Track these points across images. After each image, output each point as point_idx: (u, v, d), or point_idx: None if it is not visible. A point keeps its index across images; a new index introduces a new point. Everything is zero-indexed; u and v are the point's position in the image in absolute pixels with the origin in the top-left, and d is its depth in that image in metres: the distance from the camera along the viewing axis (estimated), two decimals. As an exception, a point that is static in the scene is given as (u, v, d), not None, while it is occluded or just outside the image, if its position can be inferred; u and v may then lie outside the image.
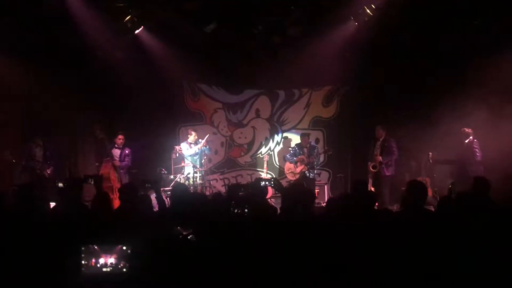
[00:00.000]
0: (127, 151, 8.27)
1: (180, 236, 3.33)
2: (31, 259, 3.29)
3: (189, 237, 3.37)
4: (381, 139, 8.22)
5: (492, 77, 7.40)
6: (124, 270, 3.22)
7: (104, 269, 3.21)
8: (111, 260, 3.21)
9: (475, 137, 7.74)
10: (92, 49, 8.15)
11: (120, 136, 8.19)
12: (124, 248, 3.23)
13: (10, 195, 5.34)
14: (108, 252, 3.22)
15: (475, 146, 7.66)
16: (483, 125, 7.60)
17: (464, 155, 7.77)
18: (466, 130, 7.78)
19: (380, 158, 8.08)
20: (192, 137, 8.77)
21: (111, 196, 6.81)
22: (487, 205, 3.94)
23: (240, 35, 8.82)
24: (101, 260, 3.21)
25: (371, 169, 8.16)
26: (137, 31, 8.50)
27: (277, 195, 7.60)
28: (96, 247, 3.21)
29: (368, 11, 8.04)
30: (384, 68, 8.73)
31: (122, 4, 7.92)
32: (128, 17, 8.11)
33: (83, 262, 3.20)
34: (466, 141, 7.80)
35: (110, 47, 8.42)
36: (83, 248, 3.21)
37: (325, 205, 5.61)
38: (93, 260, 3.20)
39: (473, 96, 7.61)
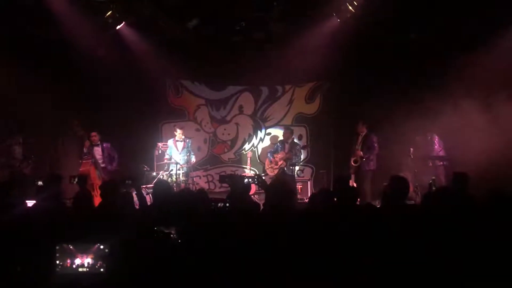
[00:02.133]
0: (105, 145, 8.05)
1: (161, 235, 3.28)
2: (4, 258, 3.21)
3: (171, 236, 3.32)
4: (362, 134, 8.29)
5: (476, 72, 7.50)
6: (102, 270, 3.14)
7: (81, 269, 3.12)
8: (88, 260, 3.12)
9: (435, 133, 8.11)
10: (72, 45, 8.00)
11: (93, 133, 8.00)
12: (102, 247, 3.14)
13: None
14: (84, 251, 3.12)
15: (435, 141, 8.01)
16: (464, 121, 7.72)
17: (426, 149, 8.13)
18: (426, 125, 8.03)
19: (361, 153, 8.15)
20: (178, 134, 8.66)
21: (92, 193, 6.75)
22: (465, 199, 4.00)
23: (223, 31, 8.78)
24: (77, 261, 3.12)
25: (352, 163, 8.23)
26: (118, 27, 8.39)
27: (261, 191, 7.60)
28: (71, 247, 3.11)
29: (350, 7, 8.08)
30: (366, 64, 8.78)
31: (103, 0, 7.81)
32: (109, 13, 8.01)
33: (57, 262, 3.11)
34: (429, 137, 8.13)
35: (91, 43, 8.29)
36: (57, 248, 3.12)
37: (307, 201, 5.62)
38: (69, 261, 3.11)
39: (455, 92, 7.70)
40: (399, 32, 8.18)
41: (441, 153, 8.13)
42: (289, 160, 8.35)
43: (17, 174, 7.54)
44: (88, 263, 3.13)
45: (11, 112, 8.05)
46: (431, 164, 8.04)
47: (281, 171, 8.36)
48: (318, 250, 3.29)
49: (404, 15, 7.85)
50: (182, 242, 3.28)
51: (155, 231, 3.29)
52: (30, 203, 4.55)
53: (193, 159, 8.70)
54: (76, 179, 4.68)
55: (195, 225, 3.48)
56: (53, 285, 3.10)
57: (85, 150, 7.77)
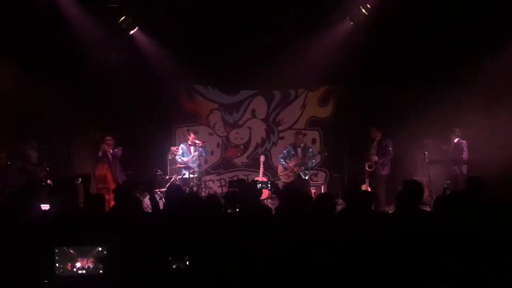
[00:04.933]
0: (116, 150, 8.12)
1: (173, 267, 3.21)
2: (7, 261, 3.23)
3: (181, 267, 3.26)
4: (377, 139, 8.20)
5: (488, 76, 7.41)
6: (101, 272, 3.14)
7: (80, 272, 3.13)
8: (87, 263, 3.13)
9: (463, 137, 7.80)
10: (86, 50, 8.10)
11: (108, 137, 8.06)
12: (100, 249, 3.14)
13: (5, 196, 5.31)
14: (84, 255, 3.13)
15: (463, 146, 7.71)
16: (478, 125, 7.61)
17: (453, 154, 7.81)
18: (455, 129, 7.80)
19: (376, 158, 8.05)
20: (191, 138, 8.65)
21: (107, 197, 6.79)
22: (481, 204, 3.92)
23: (236, 35, 8.80)
24: (77, 264, 3.13)
25: (367, 168, 8.14)
26: (131, 32, 8.47)
27: (273, 196, 7.55)
28: (71, 251, 3.12)
29: (363, 11, 8.04)
30: (380, 68, 8.71)
31: (116, 5, 7.89)
32: (122, 18, 8.09)
33: (57, 265, 3.12)
34: (455, 140, 7.82)
35: (105, 48, 8.37)
36: (56, 251, 3.13)
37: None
38: (69, 264, 3.11)
39: (468, 96, 7.61)
40: (413, 34, 8.08)
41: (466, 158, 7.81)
42: (304, 165, 8.24)
43: (32, 178, 7.61)
44: (89, 266, 3.13)
45: (27, 116, 8.18)
46: (457, 169, 7.69)
47: (297, 177, 8.22)
48: (331, 255, 3.26)
49: (418, 18, 7.77)
50: (187, 248, 3.25)
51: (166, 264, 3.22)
52: (44, 207, 4.59)
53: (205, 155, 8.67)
54: (80, 179, 4.70)
55: (203, 230, 3.47)
56: (53, 286, 3.11)
57: (100, 154, 7.82)
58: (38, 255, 3.19)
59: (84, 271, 3.12)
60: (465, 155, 7.69)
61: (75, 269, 3.12)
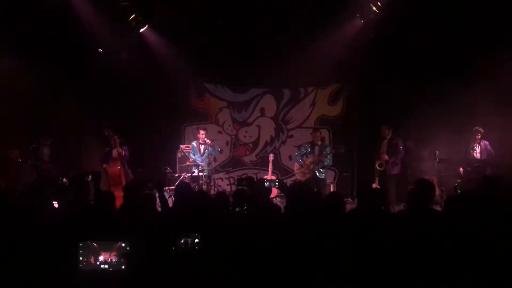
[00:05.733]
0: (124, 148, 8.18)
1: (183, 242, 3.27)
2: (30, 255, 3.28)
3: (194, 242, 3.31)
4: (387, 138, 8.14)
5: (501, 74, 7.31)
6: (123, 267, 3.19)
7: (103, 266, 3.19)
8: (110, 257, 3.18)
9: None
10: (97, 48, 8.15)
11: (115, 137, 8.09)
12: (123, 245, 3.19)
13: (17, 193, 5.37)
14: (107, 249, 3.19)
15: (488, 146, 7.63)
16: (492, 124, 7.52)
17: (481, 155, 7.68)
18: (480, 129, 7.70)
19: (386, 156, 8.00)
20: (202, 136, 8.67)
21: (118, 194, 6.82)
22: (495, 204, 3.87)
23: (245, 34, 8.79)
24: (100, 258, 3.19)
25: (377, 167, 8.08)
26: (141, 30, 8.50)
27: (282, 194, 7.54)
28: (95, 244, 3.18)
29: (374, 8, 7.99)
30: (390, 66, 8.65)
31: (126, 3, 7.93)
32: (132, 16, 8.12)
33: (81, 258, 3.18)
34: (481, 142, 7.71)
35: (115, 46, 8.42)
36: (81, 245, 3.19)
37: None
38: (92, 257, 3.18)
39: (481, 94, 7.53)
40: (426, 32, 8.00)
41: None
42: (321, 163, 8.18)
43: (44, 175, 7.69)
44: (111, 260, 3.19)
45: (39, 115, 8.26)
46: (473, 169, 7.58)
47: (313, 174, 8.17)
48: (340, 253, 3.25)
49: (430, 14, 7.69)
50: (203, 246, 3.27)
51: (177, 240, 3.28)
52: (56, 204, 4.63)
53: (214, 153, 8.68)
54: (90, 176, 4.74)
55: (215, 227, 3.48)
56: (76, 280, 3.16)
57: (115, 155, 7.88)
58: (62, 249, 3.26)
59: (107, 266, 3.19)
60: (493, 154, 7.59)
61: (98, 263, 3.19)
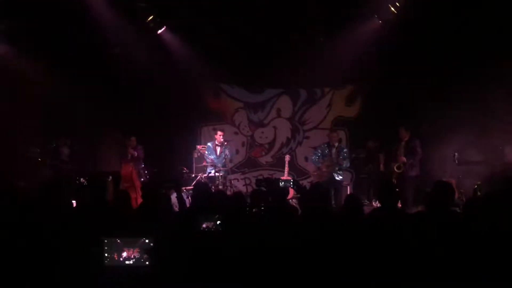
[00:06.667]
0: (139, 148, 8.29)
1: (203, 226, 3.35)
2: (55, 252, 3.35)
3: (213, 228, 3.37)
4: (405, 139, 8.04)
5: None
6: (147, 263, 3.25)
7: (127, 262, 3.25)
8: (134, 253, 3.25)
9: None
10: (114, 49, 8.24)
11: (133, 139, 8.20)
12: (147, 241, 3.26)
13: (37, 191, 5.44)
14: (130, 245, 3.25)
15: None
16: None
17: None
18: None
19: (404, 158, 7.89)
20: (219, 137, 8.69)
21: (133, 196, 6.90)
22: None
23: (261, 34, 8.79)
24: (124, 254, 3.25)
25: (395, 169, 7.98)
26: (159, 31, 8.56)
27: (298, 195, 7.50)
28: (118, 241, 3.26)
29: (392, 9, 7.91)
30: (408, 67, 8.55)
31: (144, 4, 8.00)
32: (150, 17, 8.19)
33: (106, 255, 3.25)
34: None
35: (133, 47, 8.50)
36: (106, 241, 3.26)
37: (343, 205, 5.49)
38: (116, 254, 3.25)
39: (502, 95, 7.40)
40: (445, 33, 7.89)
41: None
42: (339, 166, 8.10)
43: (63, 174, 7.79)
44: (134, 256, 3.26)
45: (56, 113, 8.38)
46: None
47: (330, 176, 8.04)
48: (356, 254, 3.23)
49: (449, 15, 7.59)
50: (223, 237, 3.31)
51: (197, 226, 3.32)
52: (75, 203, 4.69)
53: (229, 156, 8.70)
54: (110, 177, 4.82)
55: (233, 226, 3.49)
56: (102, 276, 3.24)
57: (129, 157, 7.97)
58: (88, 246, 3.33)
59: (130, 262, 3.26)
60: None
61: (121, 259, 3.25)
